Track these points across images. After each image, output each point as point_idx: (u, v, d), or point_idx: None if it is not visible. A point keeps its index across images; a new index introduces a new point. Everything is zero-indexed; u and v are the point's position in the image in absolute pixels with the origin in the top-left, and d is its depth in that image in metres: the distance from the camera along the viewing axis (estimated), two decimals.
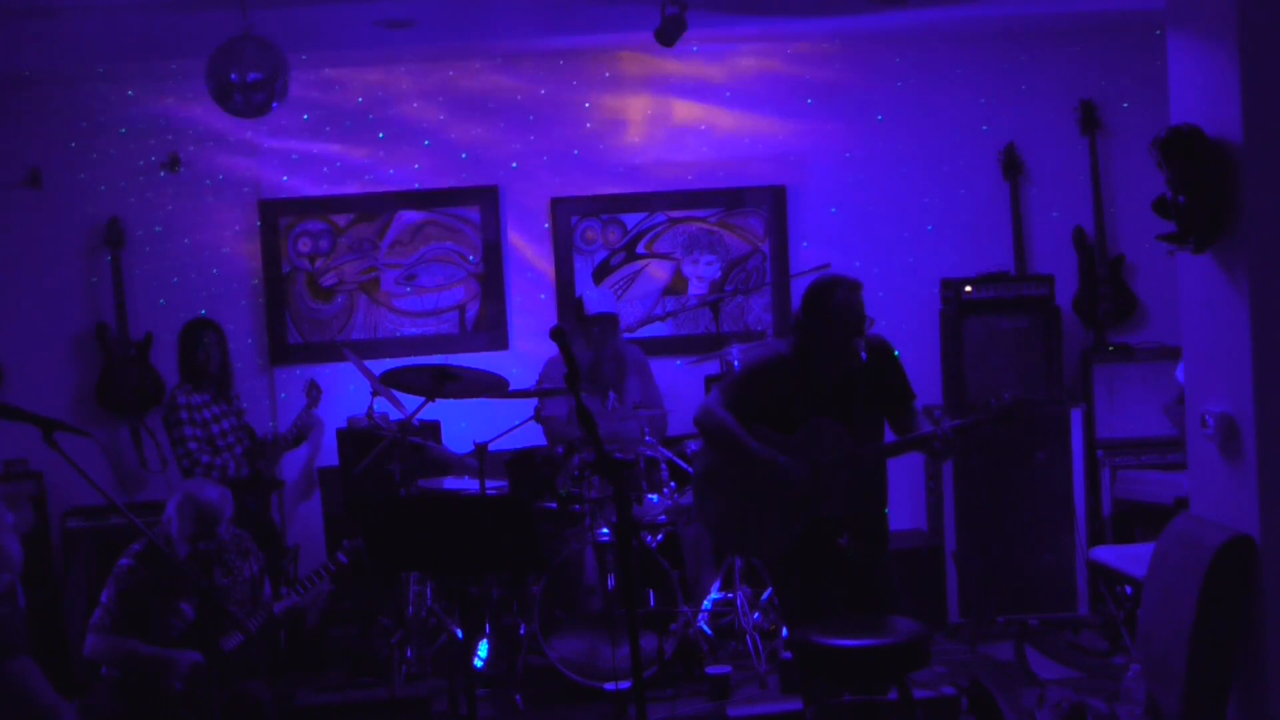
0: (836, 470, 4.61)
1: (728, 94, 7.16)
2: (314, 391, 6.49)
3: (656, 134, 7.16)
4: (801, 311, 4.67)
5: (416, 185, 7.12)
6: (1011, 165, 7.10)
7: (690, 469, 6.04)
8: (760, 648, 5.80)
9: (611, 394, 6.25)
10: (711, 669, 5.63)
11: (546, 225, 7.16)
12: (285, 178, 7.06)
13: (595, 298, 6.47)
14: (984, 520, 6.52)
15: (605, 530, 5.72)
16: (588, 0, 6.33)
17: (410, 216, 7.11)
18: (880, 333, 4.75)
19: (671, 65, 7.08)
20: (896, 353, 4.77)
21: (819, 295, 4.61)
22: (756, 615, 6.02)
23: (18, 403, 4.45)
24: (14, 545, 4.82)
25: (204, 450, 6.06)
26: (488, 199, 7.13)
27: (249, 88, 5.61)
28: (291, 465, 6.85)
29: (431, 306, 7.15)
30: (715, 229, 7.17)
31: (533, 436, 6.47)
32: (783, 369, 4.72)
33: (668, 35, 5.79)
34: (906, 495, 6.96)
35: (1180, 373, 4.91)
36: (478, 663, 5.87)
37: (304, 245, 7.08)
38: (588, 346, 6.32)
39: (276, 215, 7.05)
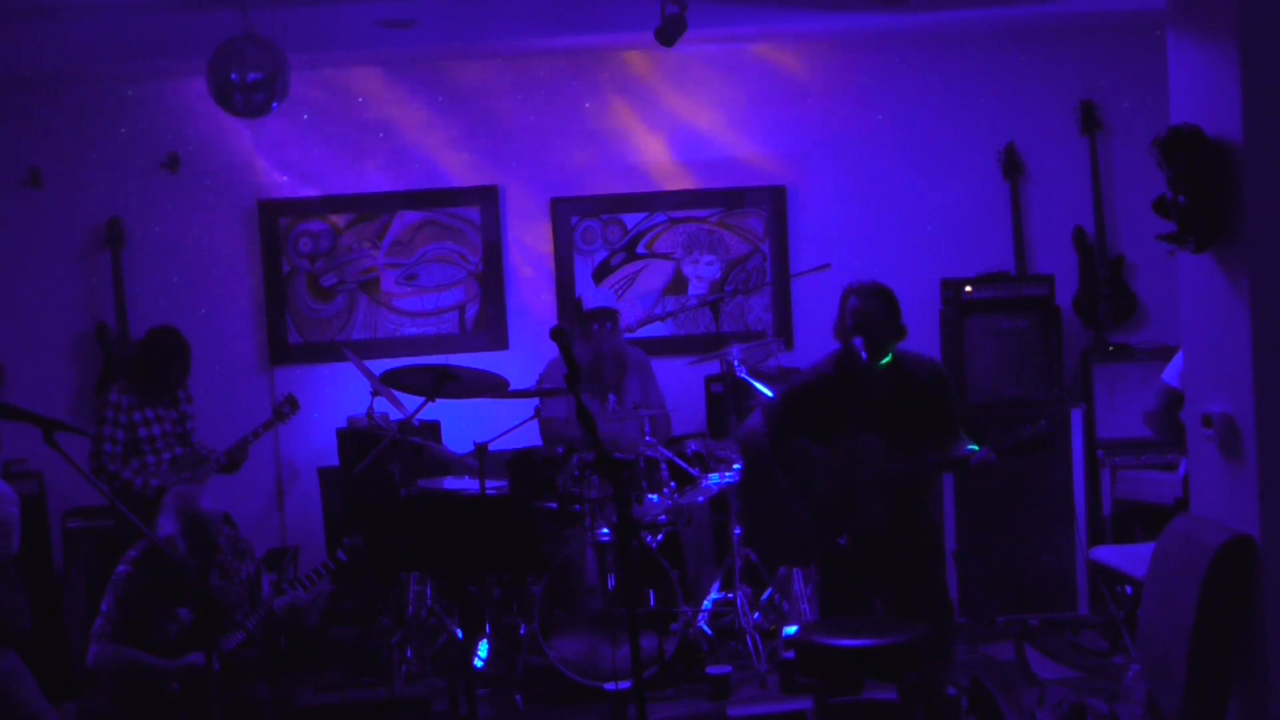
0: (870, 485, 4.74)
1: (728, 94, 7.15)
2: (286, 408, 6.12)
3: (656, 134, 7.16)
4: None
5: (416, 185, 7.11)
6: (1011, 165, 7.10)
7: (690, 469, 6.06)
8: (760, 648, 5.79)
9: (611, 397, 6.25)
10: (711, 669, 5.63)
11: (546, 225, 7.15)
12: (285, 178, 7.06)
13: (594, 295, 6.46)
14: (984, 520, 6.52)
15: (605, 530, 5.72)
16: (588, 0, 6.33)
17: (410, 216, 7.11)
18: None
19: (671, 65, 7.08)
20: (944, 379, 4.92)
21: (841, 300, 4.85)
22: (756, 615, 6.01)
23: (18, 403, 4.45)
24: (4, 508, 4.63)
25: (115, 458, 5.83)
26: (488, 199, 7.13)
27: (249, 88, 5.61)
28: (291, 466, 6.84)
29: (431, 306, 7.14)
30: (715, 229, 7.17)
31: (533, 436, 6.46)
32: (822, 386, 4.90)
33: (668, 35, 5.78)
34: None
35: (1167, 375, 4.88)
36: (478, 663, 5.86)
37: (304, 245, 7.07)
38: (587, 343, 6.32)
39: (276, 215, 7.04)
